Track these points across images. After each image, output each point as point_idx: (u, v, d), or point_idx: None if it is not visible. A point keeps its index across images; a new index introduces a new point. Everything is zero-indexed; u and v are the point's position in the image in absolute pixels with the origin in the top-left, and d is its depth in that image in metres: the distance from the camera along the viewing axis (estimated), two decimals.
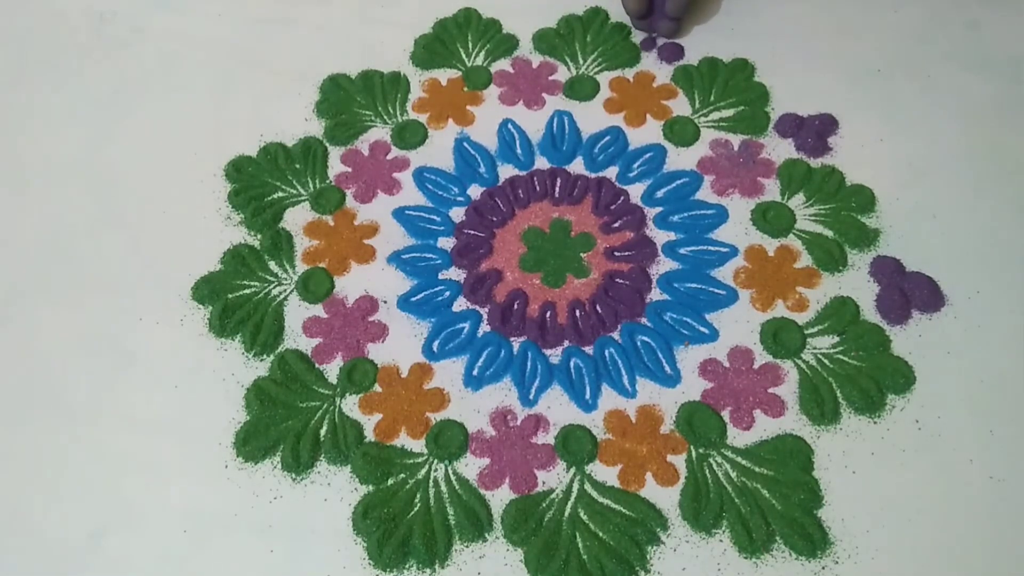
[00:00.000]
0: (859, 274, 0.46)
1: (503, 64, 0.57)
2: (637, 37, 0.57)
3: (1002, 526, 0.39)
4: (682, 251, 0.48)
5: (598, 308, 0.46)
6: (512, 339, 0.45)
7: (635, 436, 0.42)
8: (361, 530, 0.39)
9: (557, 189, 0.51)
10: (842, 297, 0.46)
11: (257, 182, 0.51)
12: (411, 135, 0.53)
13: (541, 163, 0.52)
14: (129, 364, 0.45)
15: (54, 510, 0.41)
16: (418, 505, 0.40)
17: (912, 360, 0.43)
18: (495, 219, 0.49)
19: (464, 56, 0.57)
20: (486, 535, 0.39)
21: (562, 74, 0.56)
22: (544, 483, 0.41)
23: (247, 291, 0.47)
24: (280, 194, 0.51)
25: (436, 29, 0.58)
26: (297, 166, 0.52)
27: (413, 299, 0.47)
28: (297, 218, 0.50)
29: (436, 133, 0.53)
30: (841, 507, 0.39)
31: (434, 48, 0.57)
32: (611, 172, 0.51)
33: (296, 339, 0.45)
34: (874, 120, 0.53)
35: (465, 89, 0.55)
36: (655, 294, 0.46)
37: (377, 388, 0.44)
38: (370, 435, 0.42)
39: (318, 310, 0.46)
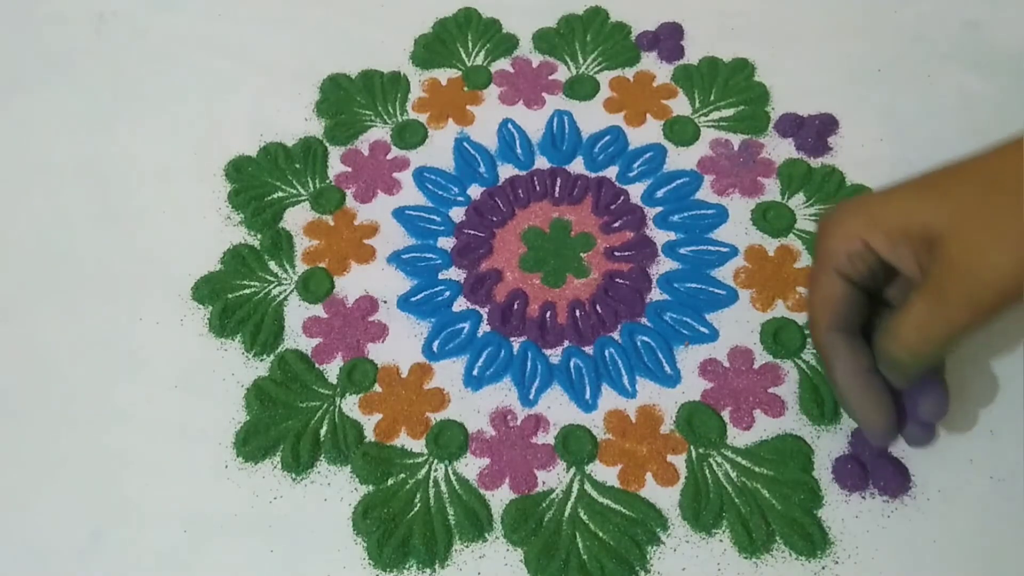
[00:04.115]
0: None
1: (503, 64, 0.57)
2: (635, 36, 0.57)
3: (1002, 526, 0.39)
4: (682, 251, 0.48)
5: (598, 308, 0.46)
6: (512, 339, 0.45)
7: (635, 436, 0.42)
8: (361, 530, 0.39)
9: (557, 189, 0.51)
10: None
11: (257, 182, 0.51)
12: (411, 135, 0.53)
13: (541, 163, 0.52)
14: (129, 364, 0.45)
15: (54, 510, 0.41)
16: (418, 505, 0.40)
17: None
18: (495, 219, 0.49)
19: (464, 56, 0.57)
20: (486, 535, 0.39)
21: (562, 74, 0.56)
22: (544, 483, 0.41)
23: (247, 291, 0.47)
24: (280, 194, 0.51)
25: (436, 29, 0.58)
26: (297, 166, 0.52)
27: (413, 299, 0.47)
28: (297, 218, 0.50)
29: (436, 133, 0.53)
30: (841, 507, 0.39)
31: (434, 48, 0.57)
32: (611, 172, 0.51)
33: (296, 339, 0.45)
34: (874, 120, 0.53)
35: (465, 89, 0.55)
36: (655, 294, 0.46)
37: (377, 388, 0.44)
38: (370, 435, 0.42)
39: (318, 310, 0.46)
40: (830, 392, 0.42)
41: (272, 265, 0.48)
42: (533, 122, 0.54)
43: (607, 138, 0.53)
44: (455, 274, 0.48)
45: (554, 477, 0.41)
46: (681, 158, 0.52)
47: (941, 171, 0.33)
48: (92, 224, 0.50)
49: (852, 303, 0.34)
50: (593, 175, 0.51)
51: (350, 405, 0.43)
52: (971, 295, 0.30)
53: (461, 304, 0.46)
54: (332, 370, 0.44)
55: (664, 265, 0.47)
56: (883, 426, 0.35)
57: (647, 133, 0.53)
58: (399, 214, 0.50)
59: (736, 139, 0.52)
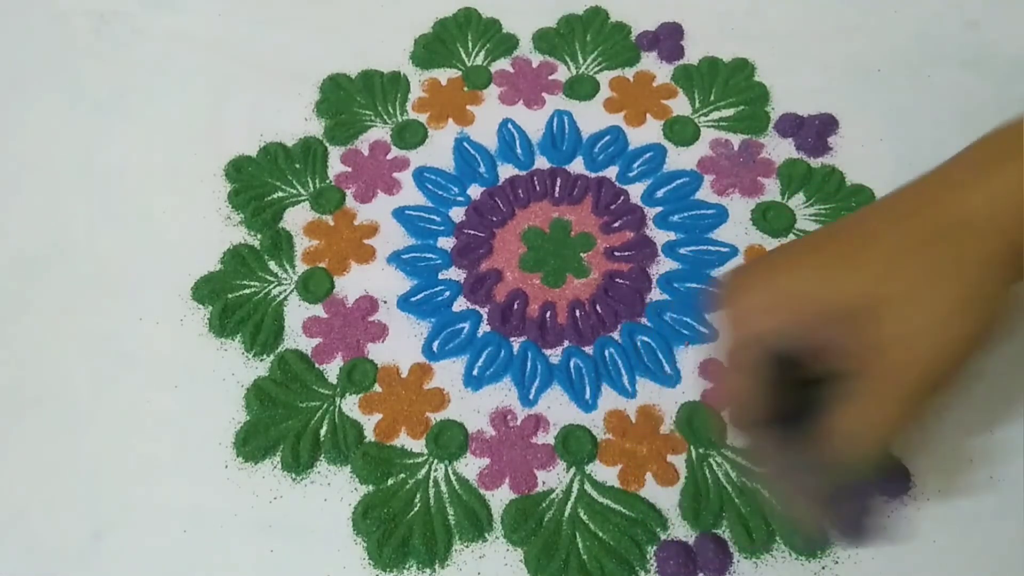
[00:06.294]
0: None
1: (503, 64, 0.57)
2: (635, 34, 0.57)
3: (1002, 526, 0.39)
4: (682, 251, 0.48)
5: (598, 308, 0.46)
6: (512, 339, 0.45)
7: (635, 436, 0.42)
8: (361, 530, 0.39)
9: (557, 189, 0.51)
10: None
11: (257, 182, 0.51)
12: (411, 135, 0.53)
13: (541, 163, 0.52)
14: (129, 364, 0.45)
15: (54, 510, 0.41)
16: (418, 505, 0.40)
17: None
18: (495, 219, 0.49)
19: (464, 56, 0.57)
20: (486, 535, 0.39)
21: (562, 74, 0.56)
22: (544, 483, 0.41)
23: (247, 291, 0.47)
24: (280, 194, 0.51)
25: (436, 29, 0.58)
26: (297, 166, 0.52)
27: (413, 299, 0.47)
28: (297, 218, 0.50)
29: (436, 133, 0.53)
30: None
31: (434, 48, 0.57)
32: (611, 172, 0.51)
33: (296, 339, 0.45)
34: (874, 120, 0.53)
35: (465, 89, 0.55)
36: (655, 294, 0.46)
37: (377, 388, 0.44)
38: (370, 435, 0.42)
39: (318, 310, 0.46)
40: None
41: (272, 265, 0.48)
42: (533, 122, 0.54)
43: (607, 138, 0.53)
44: (455, 274, 0.47)
45: (554, 477, 0.41)
46: (681, 158, 0.52)
47: (837, 242, 0.30)
48: (92, 224, 0.50)
49: (771, 397, 0.31)
50: (593, 175, 0.51)
51: (350, 405, 0.43)
52: (919, 379, 0.27)
53: (461, 304, 0.46)
54: (332, 370, 0.44)
55: (664, 265, 0.47)
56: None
57: (647, 133, 0.53)
58: (399, 214, 0.50)
59: (736, 139, 0.52)
